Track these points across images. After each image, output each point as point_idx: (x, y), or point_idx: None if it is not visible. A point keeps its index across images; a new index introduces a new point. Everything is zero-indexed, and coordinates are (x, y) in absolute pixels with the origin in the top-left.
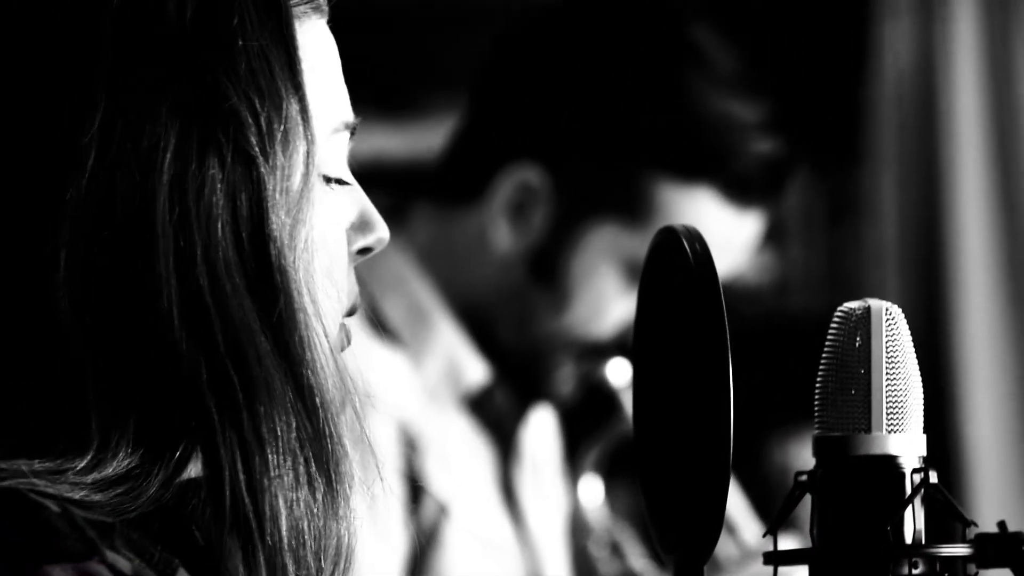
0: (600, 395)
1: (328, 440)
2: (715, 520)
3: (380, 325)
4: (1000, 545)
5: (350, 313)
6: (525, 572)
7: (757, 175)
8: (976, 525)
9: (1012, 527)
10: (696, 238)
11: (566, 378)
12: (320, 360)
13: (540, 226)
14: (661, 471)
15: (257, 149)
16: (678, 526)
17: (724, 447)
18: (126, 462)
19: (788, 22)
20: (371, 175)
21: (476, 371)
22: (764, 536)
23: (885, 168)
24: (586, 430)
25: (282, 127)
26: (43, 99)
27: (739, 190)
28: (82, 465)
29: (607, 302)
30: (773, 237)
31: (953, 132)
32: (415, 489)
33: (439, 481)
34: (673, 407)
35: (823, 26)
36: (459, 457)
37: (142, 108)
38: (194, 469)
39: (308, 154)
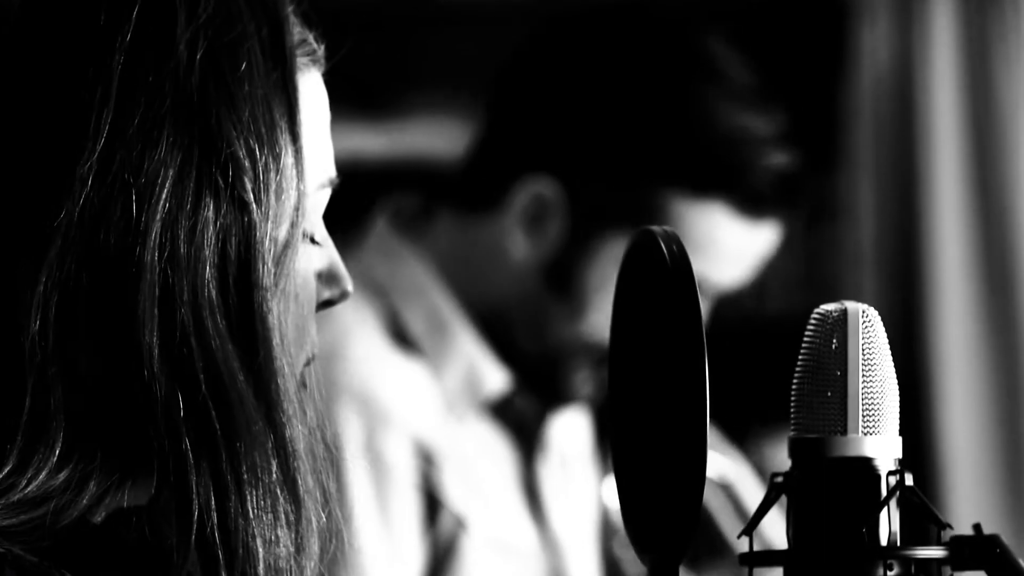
0: None
1: (299, 486)
2: (690, 521)
3: (402, 337)
4: (975, 547)
5: (307, 363)
6: (547, 566)
7: (770, 189)
8: (951, 527)
9: (987, 529)
10: (673, 239)
11: (585, 383)
12: (294, 407)
13: (555, 237)
14: (637, 472)
15: (252, 195)
16: (654, 527)
17: (700, 448)
18: (44, 486)
19: (765, 26)
20: (349, 174)
21: (496, 378)
22: (739, 537)
23: (862, 171)
24: (606, 432)
25: (277, 176)
26: (48, 123)
27: (752, 204)
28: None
29: None
30: None
31: (930, 136)
32: (432, 503)
33: (457, 494)
34: (649, 408)
35: (800, 30)
36: (480, 465)
37: (143, 143)
38: (127, 499)
39: (299, 206)
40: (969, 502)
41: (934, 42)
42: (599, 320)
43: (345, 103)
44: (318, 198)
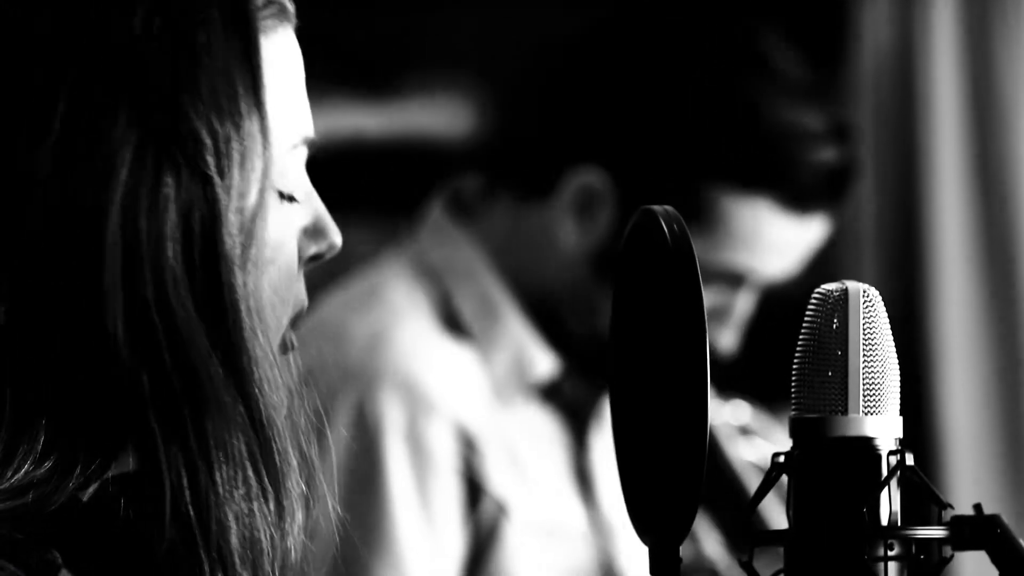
0: None
1: (276, 455)
2: (690, 503)
3: (453, 321)
4: (976, 528)
5: (294, 320)
6: (598, 562)
7: (818, 184)
8: (952, 507)
9: (988, 510)
10: (674, 219)
11: None
12: (268, 376)
13: (604, 226)
14: (637, 453)
15: (214, 169)
16: (654, 509)
17: (700, 429)
18: (28, 476)
19: (765, 5)
20: (350, 154)
21: (544, 362)
22: (739, 518)
23: (863, 151)
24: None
25: (240, 146)
26: (5, 109)
27: (800, 200)
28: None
29: None
30: None
31: (931, 115)
32: (473, 489)
33: (500, 479)
34: (650, 388)
35: (800, 9)
36: (526, 449)
37: (101, 121)
38: (110, 472)
39: (264, 173)
40: (969, 482)
41: (935, 22)
42: None
43: (345, 83)
44: (294, 157)
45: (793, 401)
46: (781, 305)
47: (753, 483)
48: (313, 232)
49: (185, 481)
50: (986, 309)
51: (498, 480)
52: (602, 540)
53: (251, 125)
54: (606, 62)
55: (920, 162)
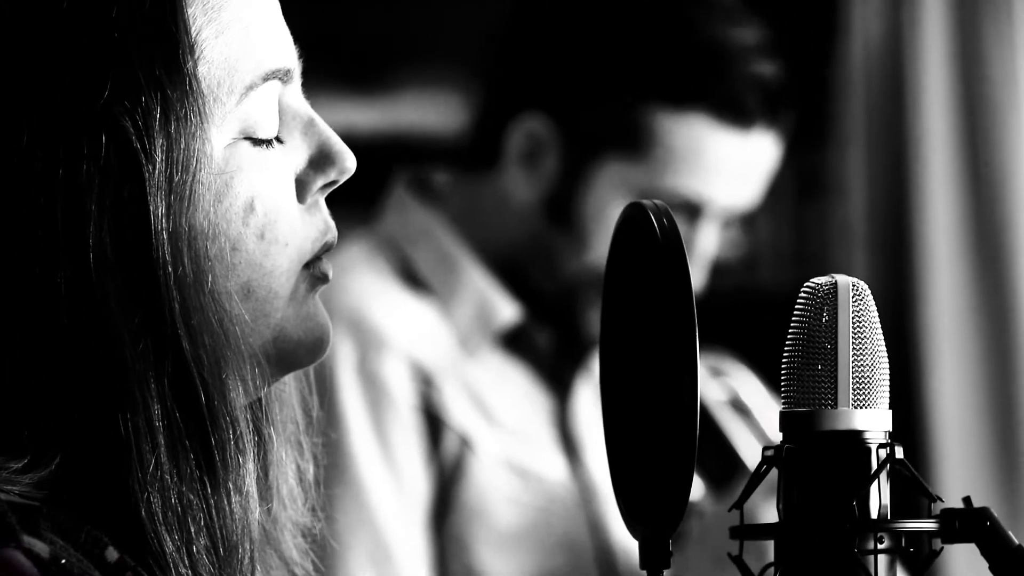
0: None
1: (213, 425)
2: (681, 495)
3: (413, 278)
4: (966, 520)
5: (325, 249)
6: (581, 514)
7: (752, 96)
8: (942, 500)
9: (977, 503)
10: (663, 213)
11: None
12: (212, 341)
13: (551, 171)
14: (628, 446)
15: (137, 144)
16: (645, 501)
17: (690, 422)
18: (61, 467)
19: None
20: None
21: (508, 310)
22: (730, 510)
23: (853, 145)
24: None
25: (162, 116)
26: None
27: (734, 112)
28: (16, 467)
29: None
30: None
31: (921, 110)
32: (434, 424)
33: (462, 415)
34: (640, 381)
35: (791, 4)
36: (495, 394)
37: (19, 113)
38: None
39: (197, 135)
40: (959, 475)
41: (925, 17)
42: (600, 247)
43: (336, 78)
44: (258, 99)
45: (783, 395)
46: (770, 299)
47: (725, 422)
48: (319, 160)
49: (110, 473)
50: (975, 303)
51: (460, 415)
52: (584, 491)
53: (174, 93)
54: (531, 5)
55: (910, 155)
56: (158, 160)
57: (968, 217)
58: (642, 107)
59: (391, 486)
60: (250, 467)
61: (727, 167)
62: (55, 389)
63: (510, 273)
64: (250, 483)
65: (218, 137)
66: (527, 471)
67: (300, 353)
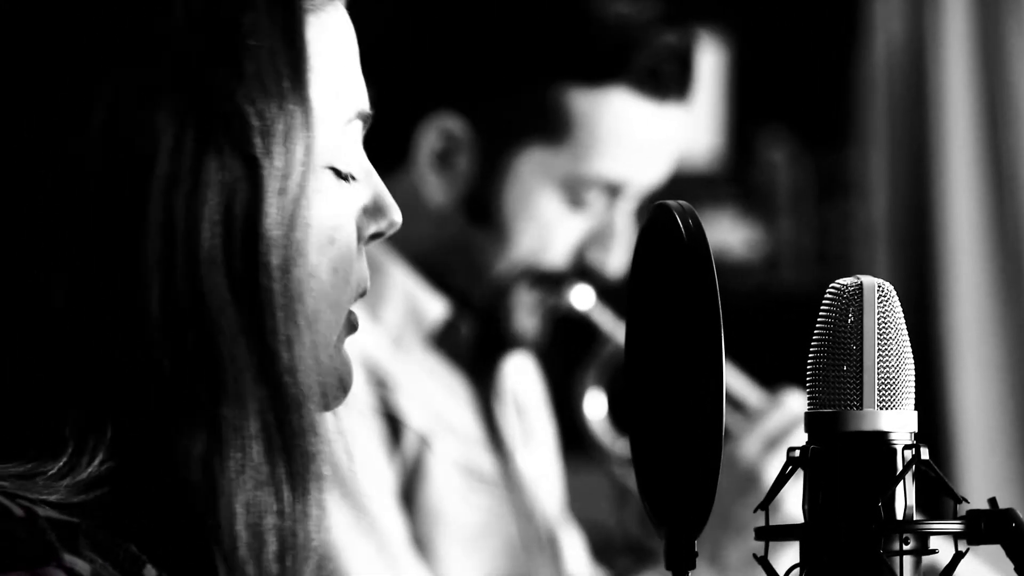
0: (573, 323)
1: (302, 441)
2: (707, 495)
3: None
4: (991, 522)
5: (360, 297)
6: (513, 509)
7: (664, 66)
8: (967, 501)
9: (1002, 504)
10: (689, 214)
11: (531, 313)
12: (303, 359)
13: (467, 169)
14: (653, 446)
15: (258, 150)
16: (670, 501)
17: (716, 423)
18: (103, 467)
19: (779, 2)
20: None
21: (436, 307)
22: (755, 511)
23: (875, 145)
24: (572, 359)
25: (283, 127)
26: (49, 93)
27: (649, 83)
28: (54, 470)
29: (552, 227)
30: (763, 212)
31: (943, 109)
32: (394, 425)
33: (418, 414)
34: (665, 382)
35: (814, 4)
36: (438, 393)
37: (143, 105)
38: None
39: (308, 153)
40: (983, 476)
41: (947, 16)
42: (526, 241)
43: None
44: (348, 134)
45: (808, 396)
46: (795, 299)
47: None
48: (373, 210)
49: (201, 471)
50: (998, 302)
51: (416, 415)
52: (514, 491)
53: (295, 106)
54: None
55: (932, 155)
56: (276, 168)
57: (991, 217)
58: (554, 90)
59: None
60: (318, 484)
61: (645, 143)
62: (127, 383)
63: (434, 272)
64: (326, 497)
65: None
66: (473, 469)
67: (330, 396)
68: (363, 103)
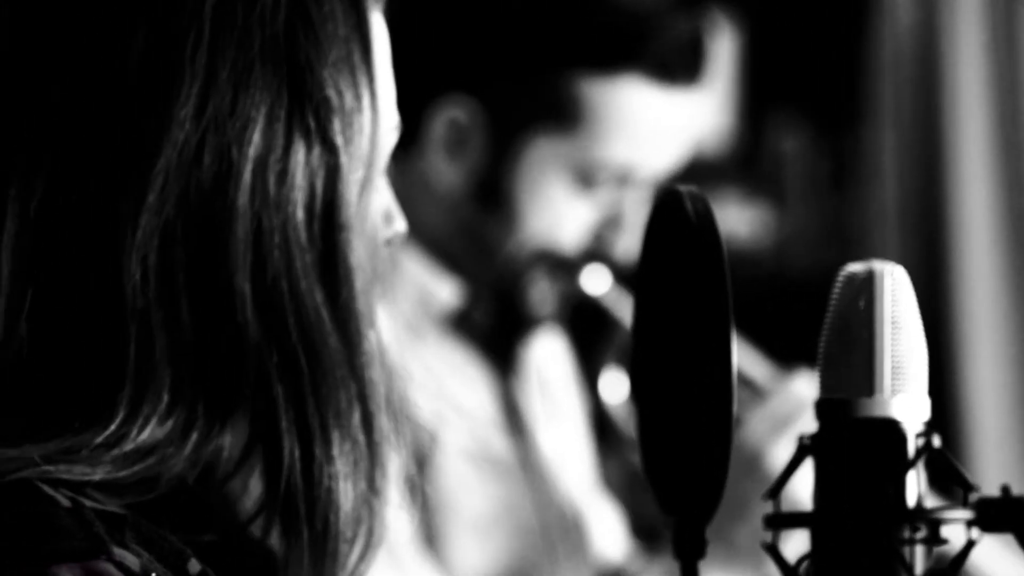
0: (586, 305)
1: (376, 430)
2: (717, 481)
3: None
4: (1003, 510)
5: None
6: (532, 495)
7: (676, 53)
8: (979, 489)
9: (1015, 491)
10: (698, 199)
11: (545, 296)
12: (373, 350)
13: (478, 154)
14: (662, 433)
15: (341, 138)
16: (679, 488)
17: (726, 409)
18: (153, 435)
19: None
20: None
21: (446, 291)
22: (764, 500)
23: (887, 129)
24: (588, 341)
25: (360, 117)
26: (146, 66)
27: (661, 70)
28: (100, 440)
29: (561, 211)
30: (774, 197)
31: (955, 92)
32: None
33: (425, 407)
34: (674, 368)
35: None
36: (451, 380)
37: (235, 86)
38: (216, 445)
39: (376, 146)
40: (996, 463)
41: (959, 1)
42: (537, 226)
43: None
44: (390, 138)
45: (819, 382)
46: (806, 284)
47: None
48: (386, 216)
49: (298, 451)
50: (1011, 287)
51: (425, 407)
52: (533, 474)
53: (366, 98)
54: None
55: (943, 138)
56: (353, 157)
57: (1003, 200)
58: (566, 77)
59: None
60: (389, 471)
61: (656, 129)
62: (210, 358)
63: (445, 256)
64: (386, 482)
65: None
66: (487, 455)
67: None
68: (396, 114)
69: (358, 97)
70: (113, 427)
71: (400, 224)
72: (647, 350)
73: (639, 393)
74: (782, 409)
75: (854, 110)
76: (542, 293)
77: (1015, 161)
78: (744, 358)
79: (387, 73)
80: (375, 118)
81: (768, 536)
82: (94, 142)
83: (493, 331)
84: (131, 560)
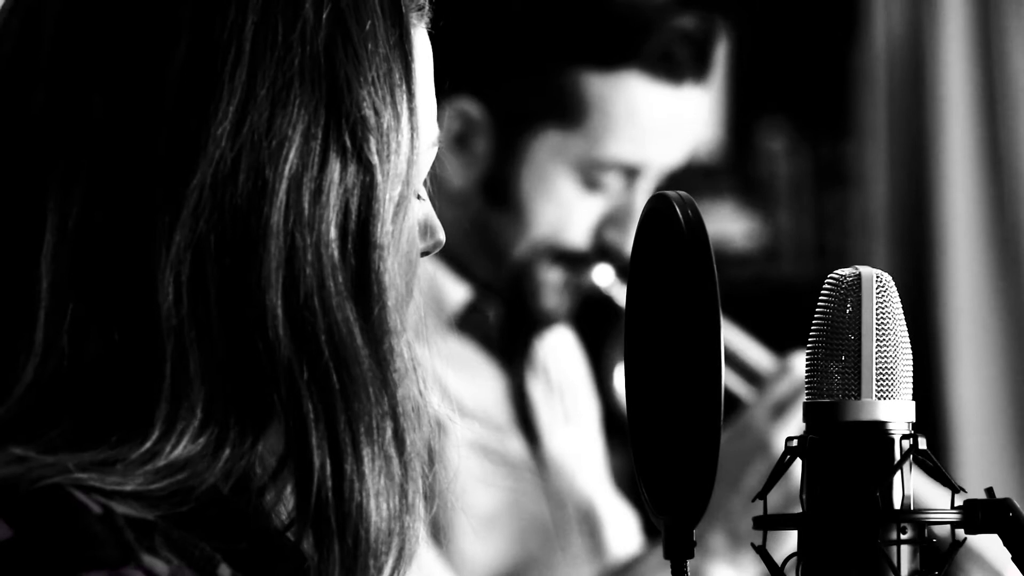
0: (598, 301)
1: (408, 447)
2: (705, 483)
3: None
4: (988, 511)
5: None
6: (542, 493)
7: (680, 49)
8: (964, 491)
9: (998, 493)
10: (688, 204)
11: (555, 292)
12: (406, 367)
13: (485, 153)
14: (652, 435)
15: (376, 156)
16: (669, 489)
17: (714, 412)
18: (186, 451)
19: None
20: None
21: (459, 291)
22: (753, 501)
23: (874, 136)
24: (600, 337)
25: (398, 137)
26: (185, 82)
27: (664, 66)
28: (135, 456)
29: (569, 208)
30: (761, 203)
31: (942, 101)
32: None
33: (430, 399)
34: (664, 370)
35: None
36: (457, 377)
37: (272, 103)
38: (249, 459)
39: (413, 166)
40: (980, 466)
41: (946, 7)
42: (545, 222)
43: None
44: (429, 155)
45: (806, 386)
46: (793, 291)
47: None
48: (423, 228)
49: (330, 467)
50: (995, 294)
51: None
52: (547, 471)
53: (405, 117)
54: None
55: (930, 149)
56: (389, 177)
57: (988, 208)
58: (571, 74)
59: None
60: (421, 486)
61: (662, 126)
62: (247, 372)
63: (455, 254)
64: (421, 507)
65: None
66: (494, 452)
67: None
68: (437, 129)
69: (397, 116)
70: (149, 444)
71: (439, 235)
72: (638, 353)
73: (630, 395)
74: (784, 393)
75: (842, 118)
76: (552, 290)
77: (999, 168)
78: (745, 345)
79: (429, 90)
80: (413, 136)
81: (758, 536)
82: (131, 155)
83: (504, 328)
84: (160, 568)
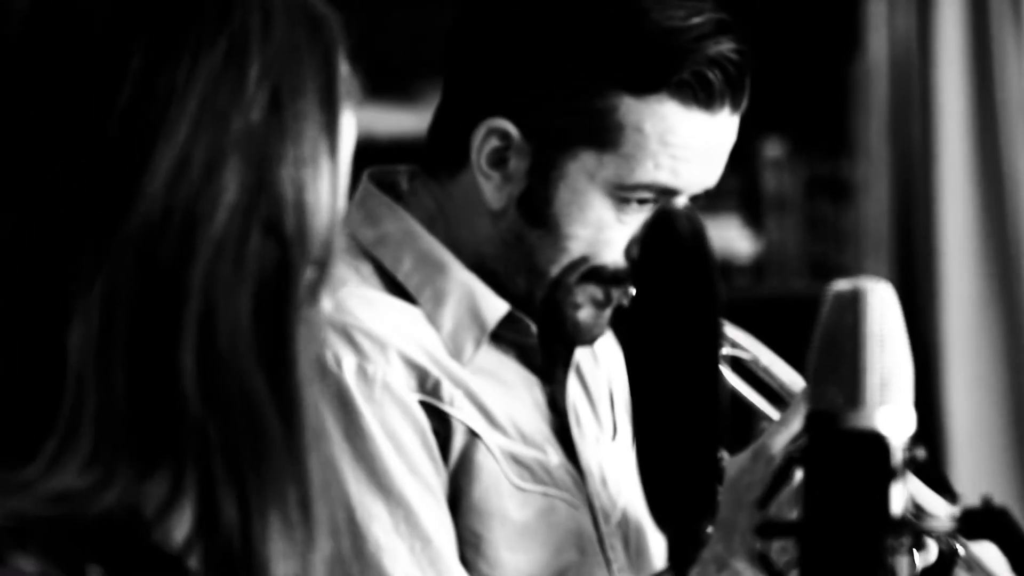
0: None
1: (313, 514)
2: (707, 495)
3: (394, 284)
4: (985, 520)
5: None
6: (580, 504)
7: (715, 74)
8: (962, 499)
9: (995, 502)
10: (692, 218)
11: (593, 308)
12: (312, 435)
13: (521, 175)
14: (655, 446)
15: (294, 232)
16: (673, 499)
17: (714, 422)
18: (67, 483)
19: (776, 4)
20: (359, 154)
21: (498, 306)
22: (756, 509)
23: (870, 150)
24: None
25: (318, 216)
26: (126, 136)
27: (701, 91)
28: (17, 479)
29: (605, 229)
30: (758, 217)
31: (938, 116)
32: (442, 419)
33: (465, 408)
34: (667, 384)
35: (811, 11)
36: (492, 391)
37: (207, 169)
38: (141, 494)
39: (331, 241)
40: (976, 475)
41: (942, 20)
42: (581, 242)
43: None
44: (339, 236)
45: (808, 395)
46: (789, 304)
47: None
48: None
49: (238, 528)
50: (991, 306)
51: (463, 409)
52: (580, 485)
53: (328, 196)
54: (481, 6)
55: (927, 162)
56: (305, 254)
57: (983, 220)
58: (605, 98)
59: (424, 491)
60: (324, 526)
61: (696, 152)
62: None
63: (492, 271)
64: (325, 544)
65: None
66: (529, 463)
67: None
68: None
69: (318, 196)
70: (31, 470)
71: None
72: (641, 365)
73: (635, 407)
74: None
75: (838, 132)
76: (589, 305)
77: (995, 181)
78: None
79: (347, 169)
80: (333, 213)
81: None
82: (64, 196)
83: (541, 347)
84: (30, 568)
